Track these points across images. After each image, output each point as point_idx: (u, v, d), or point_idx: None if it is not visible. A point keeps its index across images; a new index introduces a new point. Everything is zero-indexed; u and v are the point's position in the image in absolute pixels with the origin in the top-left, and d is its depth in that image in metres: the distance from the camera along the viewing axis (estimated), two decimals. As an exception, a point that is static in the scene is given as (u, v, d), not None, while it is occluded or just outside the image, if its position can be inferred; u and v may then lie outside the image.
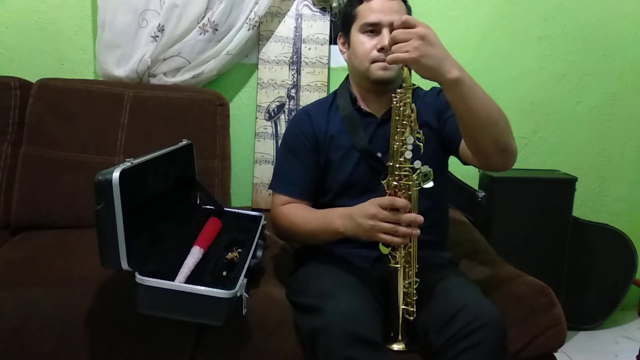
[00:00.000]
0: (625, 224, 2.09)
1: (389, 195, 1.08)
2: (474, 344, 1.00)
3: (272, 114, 1.92)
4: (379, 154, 1.25)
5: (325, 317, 1.00)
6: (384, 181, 1.11)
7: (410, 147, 1.07)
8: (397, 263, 1.10)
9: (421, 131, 1.08)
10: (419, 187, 1.08)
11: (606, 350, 1.94)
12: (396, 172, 1.09)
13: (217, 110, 1.76)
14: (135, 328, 1.11)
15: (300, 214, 1.25)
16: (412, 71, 1.25)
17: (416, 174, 1.07)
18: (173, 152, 1.34)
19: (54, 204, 1.60)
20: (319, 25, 1.92)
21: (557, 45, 2.03)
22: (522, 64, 2.03)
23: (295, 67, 1.92)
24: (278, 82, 1.91)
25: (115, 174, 0.96)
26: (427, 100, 1.31)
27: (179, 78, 1.83)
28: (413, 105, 1.08)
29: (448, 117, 1.25)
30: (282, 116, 1.92)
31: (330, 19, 1.91)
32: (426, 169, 1.07)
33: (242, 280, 1.04)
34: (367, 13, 1.23)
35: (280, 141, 1.48)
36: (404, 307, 1.10)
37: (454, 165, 1.33)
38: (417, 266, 1.10)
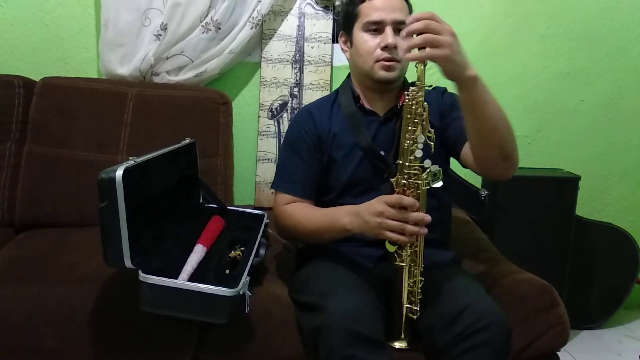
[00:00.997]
0: (628, 223, 2.08)
1: (397, 193, 1.08)
2: (478, 343, 1.00)
3: (275, 113, 1.91)
4: (382, 152, 1.25)
5: (328, 315, 1.01)
6: (393, 179, 1.11)
7: (420, 145, 1.07)
8: (402, 261, 1.10)
9: (432, 130, 1.08)
10: (428, 187, 1.07)
11: (609, 350, 1.93)
12: (405, 171, 1.08)
13: (220, 109, 1.76)
14: (139, 325, 1.12)
15: (304, 213, 1.25)
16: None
17: (426, 172, 1.07)
18: (176, 150, 1.34)
19: (57, 202, 1.60)
20: (322, 24, 1.91)
21: (560, 43, 2.02)
22: (525, 62, 2.02)
23: (298, 66, 1.91)
24: (281, 80, 1.91)
25: (119, 172, 0.96)
26: (430, 99, 1.30)
27: (182, 76, 1.83)
28: (425, 104, 1.08)
29: (453, 119, 1.25)
30: (285, 115, 1.91)
31: (333, 18, 1.91)
32: (436, 168, 1.06)
33: (245, 278, 1.05)
34: (370, 11, 1.22)
35: (282, 139, 1.48)
36: (407, 305, 1.10)
37: (457, 163, 1.33)
38: (422, 265, 1.10)
